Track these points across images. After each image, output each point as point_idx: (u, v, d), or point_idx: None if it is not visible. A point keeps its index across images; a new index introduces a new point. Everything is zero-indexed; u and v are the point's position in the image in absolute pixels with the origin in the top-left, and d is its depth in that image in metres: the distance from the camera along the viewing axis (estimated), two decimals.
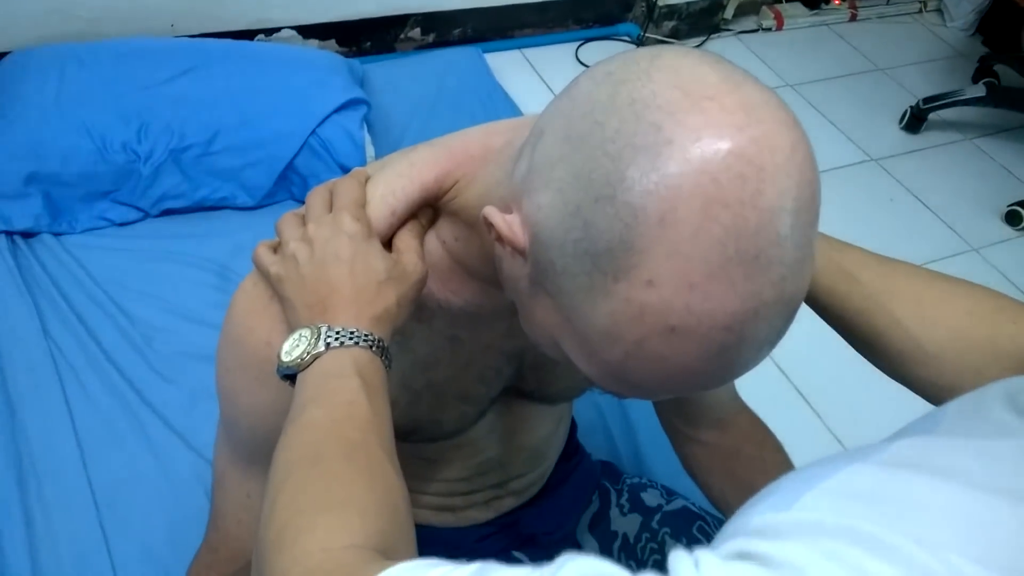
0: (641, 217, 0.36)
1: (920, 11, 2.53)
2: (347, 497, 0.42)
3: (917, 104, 2.02)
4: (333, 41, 1.85)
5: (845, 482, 0.29)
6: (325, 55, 1.56)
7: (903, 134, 2.04)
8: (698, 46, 2.20)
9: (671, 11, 2.14)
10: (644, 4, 2.15)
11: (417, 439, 0.67)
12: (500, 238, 0.44)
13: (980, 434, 0.30)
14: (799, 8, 2.39)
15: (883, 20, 2.47)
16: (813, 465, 0.32)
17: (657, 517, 0.88)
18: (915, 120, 2.02)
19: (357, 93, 1.43)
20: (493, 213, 0.43)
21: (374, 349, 0.49)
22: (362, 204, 0.53)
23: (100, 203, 1.30)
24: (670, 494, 0.92)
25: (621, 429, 1.16)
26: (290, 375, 0.50)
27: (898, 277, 0.55)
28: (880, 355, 0.55)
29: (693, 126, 0.35)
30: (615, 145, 0.36)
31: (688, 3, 2.14)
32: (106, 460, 1.00)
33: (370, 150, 1.40)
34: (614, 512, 0.90)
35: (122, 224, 1.30)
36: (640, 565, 0.85)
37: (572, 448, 0.90)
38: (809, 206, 0.37)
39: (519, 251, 0.42)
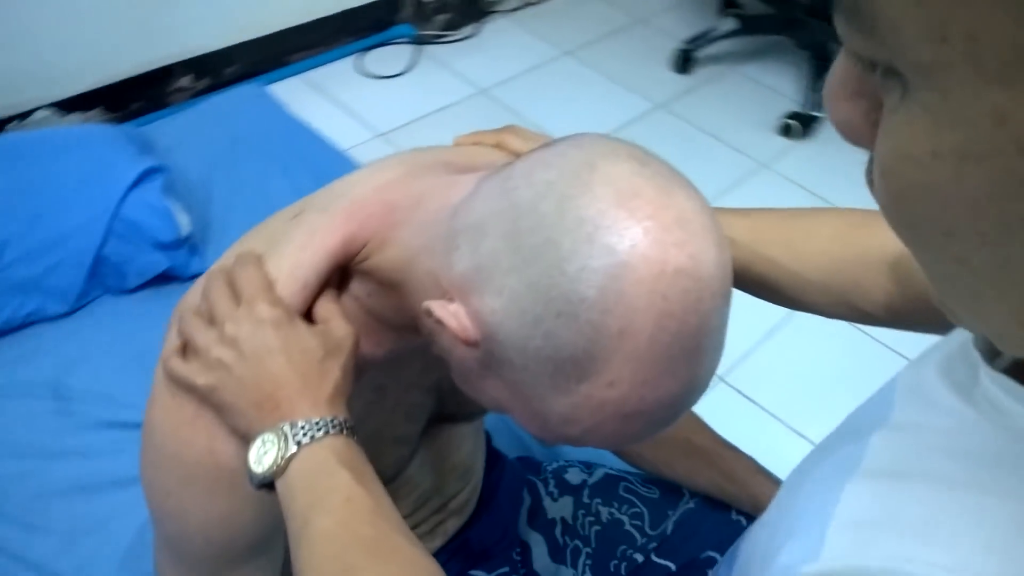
0: (602, 331, 0.40)
1: None
2: None
3: (682, 47, 2.19)
4: (98, 111, 1.71)
5: (852, 508, 0.32)
6: (97, 129, 1.43)
7: (677, 76, 2.20)
8: (472, 35, 2.25)
9: (440, 4, 2.16)
10: (413, 4, 2.16)
11: None
12: (441, 323, 0.45)
13: (941, 429, 0.33)
14: None
15: None
16: (808, 483, 0.36)
17: (586, 492, 0.93)
18: (684, 62, 2.18)
19: (148, 162, 1.33)
20: (441, 309, 0.45)
21: (345, 433, 0.49)
22: (270, 287, 0.51)
23: None
24: (589, 467, 0.97)
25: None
26: (266, 483, 0.48)
27: (763, 226, 0.61)
28: (773, 295, 0.60)
29: (643, 250, 0.40)
30: (572, 266, 0.40)
31: None
32: None
33: (183, 218, 1.31)
34: (547, 501, 0.93)
35: None
36: (583, 541, 0.89)
37: (493, 456, 0.92)
38: (729, 291, 0.43)
39: (471, 344, 0.45)
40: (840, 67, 0.27)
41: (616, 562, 0.86)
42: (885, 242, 0.56)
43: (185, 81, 1.83)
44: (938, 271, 0.27)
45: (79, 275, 1.22)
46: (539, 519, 0.91)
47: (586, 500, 0.91)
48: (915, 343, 0.45)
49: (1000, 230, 0.22)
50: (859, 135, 0.27)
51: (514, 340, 0.43)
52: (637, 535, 0.87)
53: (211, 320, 0.52)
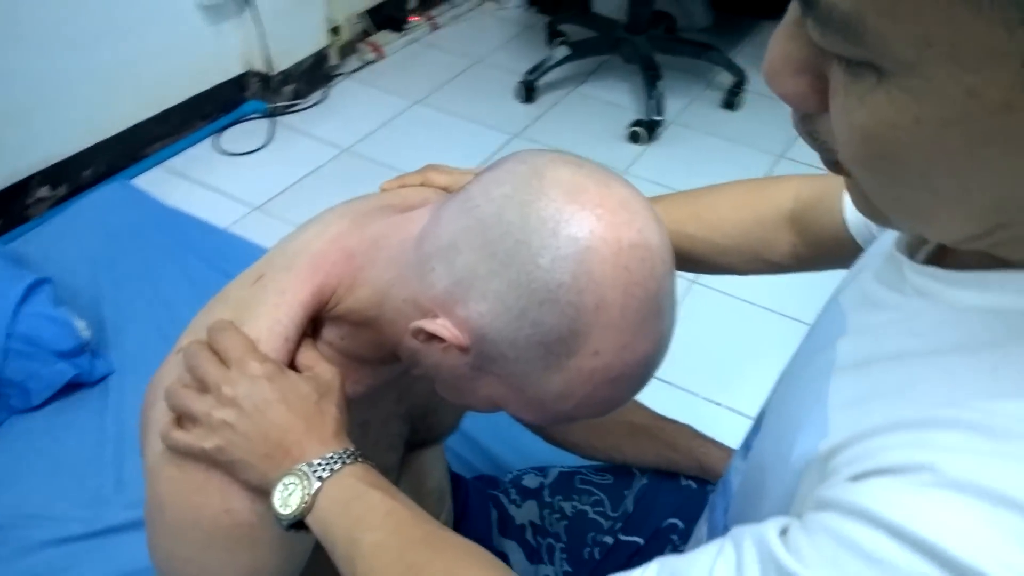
0: (581, 309, 0.46)
1: (481, 3, 2.88)
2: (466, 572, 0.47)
3: (523, 79, 2.33)
4: None
5: (842, 393, 0.38)
6: None
7: (524, 106, 2.34)
8: (322, 100, 2.29)
9: (285, 77, 2.19)
10: (258, 80, 2.18)
11: None
12: (431, 339, 0.50)
13: (893, 320, 0.39)
14: (390, 35, 2.59)
15: (457, 20, 2.77)
16: (788, 395, 0.42)
17: (546, 492, 0.98)
18: (528, 92, 2.32)
19: (30, 275, 1.29)
20: (431, 325, 0.50)
21: (359, 460, 0.53)
22: (254, 345, 0.54)
23: None
24: (542, 470, 1.02)
25: (464, 446, 1.23)
26: (295, 523, 0.51)
27: (674, 208, 0.70)
28: (697, 266, 0.70)
29: (601, 233, 0.46)
30: (544, 259, 0.46)
31: (297, 64, 2.22)
32: None
33: (80, 324, 1.27)
34: (512, 509, 0.97)
35: None
36: (555, 537, 0.94)
37: (454, 480, 0.96)
38: (672, 258, 0.50)
39: (464, 350, 0.50)
40: (780, 49, 0.31)
41: (588, 549, 0.92)
42: (778, 203, 0.67)
43: (43, 191, 1.76)
44: (903, 198, 0.32)
45: None
46: (509, 528, 0.95)
47: (548, 499, 0.97)
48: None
49: (969, 167, 0.28)
50: (807, 103, 0.32)
51: (505, 335, 0.48)
52: (602, 520, 0.93)
53: (203, 388, 0.54)
